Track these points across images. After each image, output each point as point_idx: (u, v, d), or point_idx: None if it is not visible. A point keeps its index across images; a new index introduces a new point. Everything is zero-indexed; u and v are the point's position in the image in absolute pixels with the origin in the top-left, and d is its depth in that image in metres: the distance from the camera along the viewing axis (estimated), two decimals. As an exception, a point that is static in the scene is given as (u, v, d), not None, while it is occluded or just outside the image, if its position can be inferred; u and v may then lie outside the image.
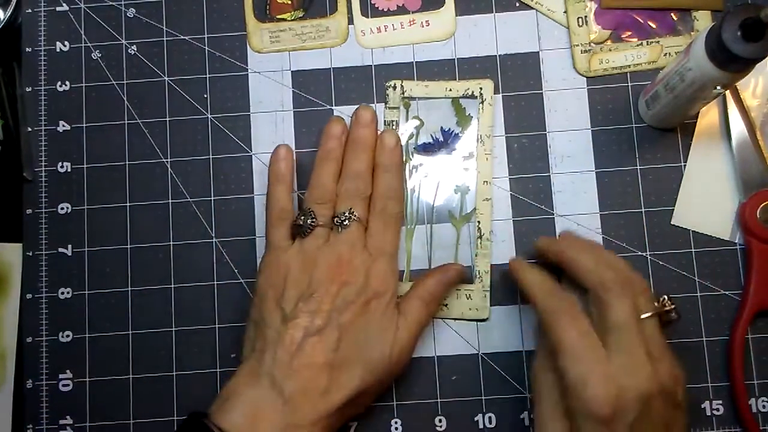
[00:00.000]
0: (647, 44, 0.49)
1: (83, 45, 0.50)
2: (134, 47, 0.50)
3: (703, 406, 0.46)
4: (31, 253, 0.49)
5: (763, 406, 0.45)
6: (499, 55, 0.49)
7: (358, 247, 0.44)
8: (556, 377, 0.40)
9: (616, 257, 0.42)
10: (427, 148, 0.49)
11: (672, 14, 0.49)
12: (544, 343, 0.42)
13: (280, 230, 0.45)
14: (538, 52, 0.49)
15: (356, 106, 0.48)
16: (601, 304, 0.39)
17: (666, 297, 0.41)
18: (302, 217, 0.44)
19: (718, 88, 0.40)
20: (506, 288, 0.47)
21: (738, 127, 0.47)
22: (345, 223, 0.44)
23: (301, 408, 0.40)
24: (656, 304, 0.41)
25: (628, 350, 0.38)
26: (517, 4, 0.50)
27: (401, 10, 0.50)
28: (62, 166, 0.49)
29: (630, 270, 0.41)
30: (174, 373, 0.47)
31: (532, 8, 0.50)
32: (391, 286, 0.44)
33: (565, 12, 0.49)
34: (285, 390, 0.40)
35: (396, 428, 0.46)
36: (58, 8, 0.51)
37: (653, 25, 0.49)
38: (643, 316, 0.39)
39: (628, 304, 0.39)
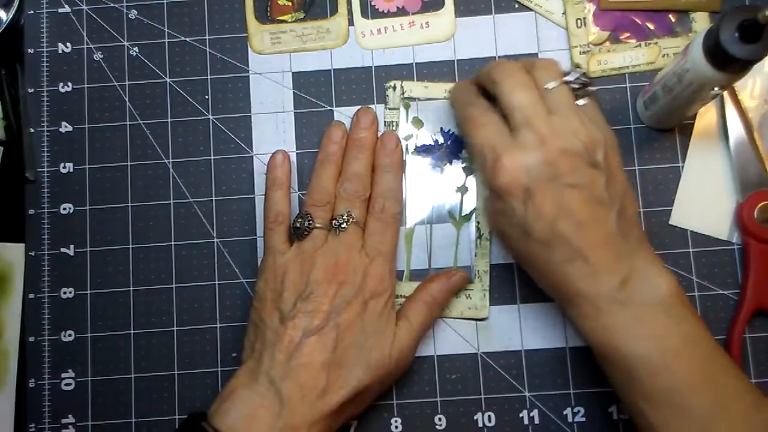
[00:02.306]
0: (645, 45, 0.49)
1: (85, 46, 0.51)
2: (136, 48, 0.51)
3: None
4: (33, 253, 0.49)
5: (761, 405, 0.46)
6: (499, 57, 0.50)
7: (356, 248, 0.44)
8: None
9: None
10: (427, 149, 0.49)
11: (670, 15, 0.49)
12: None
13: (277, 234, 0.45)
14: (537, 54, 0.49)
15: (357, 107, 0.48)
16: (497, 97, 0.41)
17: (576, 64, 0.42)
18: (300, 220, 0.45)
19: (716, 89, 0.40)
20: (505, 288, 0.47)
21: (736, 127, 0.47)
22: (343, 225, 0.44)
23: (299, 408, 0.40)
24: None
25: (525, 124, 0.39)
26: (516, 6, 0.50)
27: (401, 12, 0.50)
28: (64, 167, 0.50)
29: (531, 60, 0.43)
30: (175, 373, 0.47)
31: (531, 10, 0.50)
32: (388, 286, 0.44)
33: (563, 13, 0.50)
34: (282, 390, 0.40)
35: (396, 427, 0.47)
36: (60, 10, 0.51)
37: (651, 27, 0.49)
38: (548, 86, 0.40)
39: (515, 83, 0.40)
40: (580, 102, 0.41)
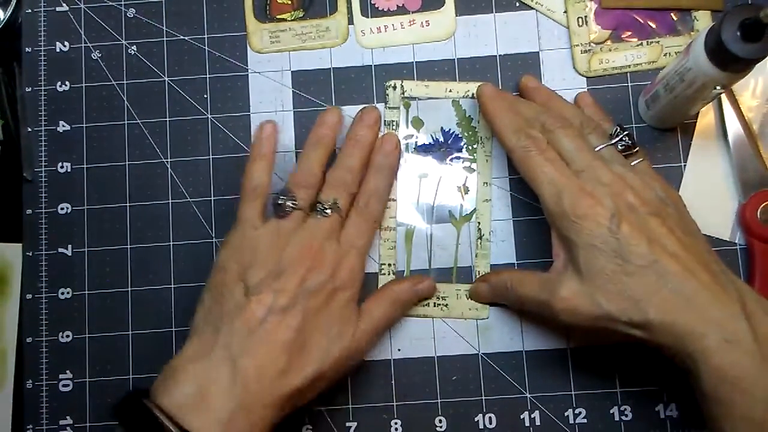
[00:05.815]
0: (647, 44, 0.49)
1: (83, 45, 0.50)
2: (134, 47, 0.50)
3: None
4: (31, 254, 0.49)
5: (764, 407, 0.45)
6: (499, 55, 0.49)
7: (333, 237, 0.43)
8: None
9: (566, 104, 0.46)
10: (428, 149, 0.49)
11: (672, 14, 0.49)
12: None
13: (252, 206, 0.44)
14: (538, 52, 0.49)
15: (357, 106, 0.48)
16: (553, 143, 0.42)
17: (618, 127, 0.43)
18: (282, 198, 0.43)
19: (718, 88, 0.40)
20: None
21: (734, 128, 0.47)
22: (326, 210, 0.43)
23: (254, 387, 0.38)
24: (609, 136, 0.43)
25: (589, 166, 0.40)
26: (517, 4, 0.50)
27: (401, 10, 0.50)
28: (62, 167, 0.49)
29: (578, 113, 0.45)
30: (174, 374, 0.47)
31: (532, 8, 0.50)
32: (356, 281, 0.43)
33: (565, 12, 0.49)
34: (238, 365, 0.38)
35: (396, 429, 0.46)
36: (58, 8, 0.51)
37: (653, 25, 0.49)
38: (597, 149, 0.42)
39: (571, 132, 0.42)
40: (633, 162, 0.42)
